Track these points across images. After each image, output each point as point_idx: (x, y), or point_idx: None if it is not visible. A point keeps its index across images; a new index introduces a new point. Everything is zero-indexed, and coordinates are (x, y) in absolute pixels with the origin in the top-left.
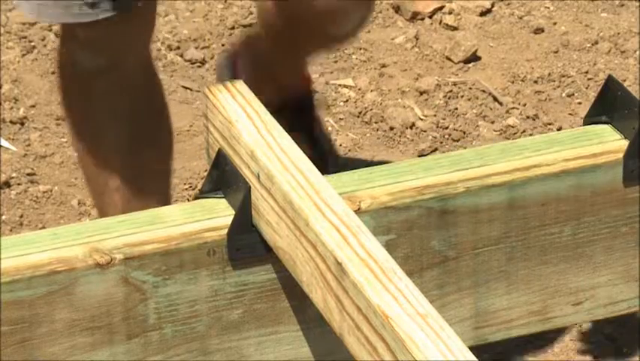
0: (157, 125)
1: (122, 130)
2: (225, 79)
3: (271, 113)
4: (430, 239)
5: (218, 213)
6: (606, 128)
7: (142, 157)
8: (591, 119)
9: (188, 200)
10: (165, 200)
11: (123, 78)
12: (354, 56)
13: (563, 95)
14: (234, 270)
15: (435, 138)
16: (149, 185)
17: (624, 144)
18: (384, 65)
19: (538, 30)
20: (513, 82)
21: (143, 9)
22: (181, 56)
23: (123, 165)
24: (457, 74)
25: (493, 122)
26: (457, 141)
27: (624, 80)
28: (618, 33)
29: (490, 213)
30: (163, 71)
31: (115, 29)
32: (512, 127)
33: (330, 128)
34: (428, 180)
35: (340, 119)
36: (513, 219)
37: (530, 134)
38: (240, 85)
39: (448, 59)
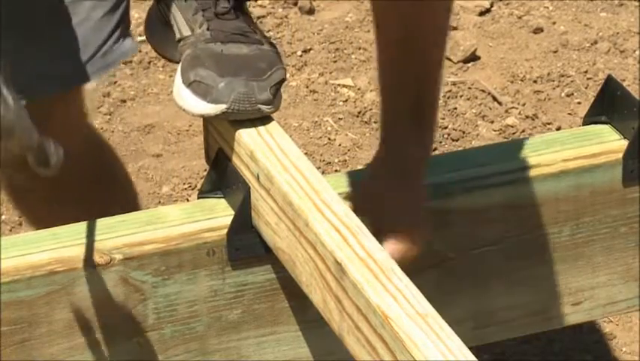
0: (110, 202)
1: (72, 219)
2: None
3: None
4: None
5: (218, 214)
6: (605, 128)
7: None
8: (590, 119)
9: (188, 200)
10: None
11: (62, 171)
12: (353, 56)
13: (562, 94)
14: (234, 270)
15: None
16: None
17: (623, 143)
18: None
19: (538, 30)
20: (512, 82)
21: (62, 105)
22: None
23: None
24: (456, 74)
25: (492, 122)
26: (457, 140)
27: (623, 80)
28: (617, 33)
29: (490, 213)
30: (162, 71)
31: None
32: (511, 127)
33: (329, 128)
34: (427, 180)
35: (339, 118)
36: (512, 220)
37: (529, 134)
38: None
39: (447, 58)
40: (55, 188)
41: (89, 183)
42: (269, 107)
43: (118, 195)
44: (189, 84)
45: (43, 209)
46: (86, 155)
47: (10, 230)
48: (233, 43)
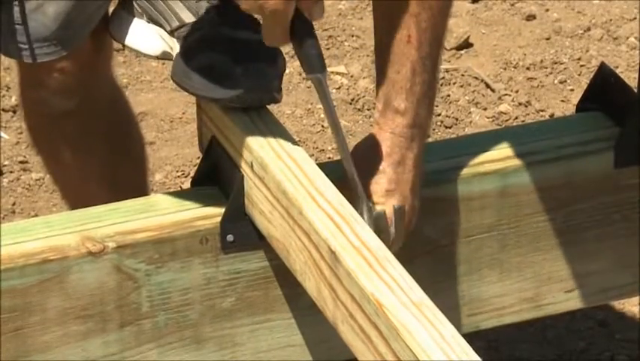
0: (129, 142)
1: (96, 157)
2: None
3: None
4: (422, 227)
5: (212, 202)
6: (598, 115)
7: (118, 177)
8: (583, 105)
9: (181, 188)
10: None
11: (93, 112)
12: (346, 43)
13: (556, 81)
14: (227, 258)
15: None
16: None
17: (616, 131)
18: None
19: (530, 17)
20: (505, 69)
21: (101, 42)
22: None
23: (100, 187)
24: (449, 61)
25: (485, 109)
26: (450, 127)
27: (616, 67)
28: (610, 20)
29: (483, 200)
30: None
31: (83, 68)
32: (505, 114)
33: (322, 115)
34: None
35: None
36: (505, 207)
37: (523, 121)
38: None
39: None
40: (83, 132)
41: (113, 129)
42: (279, 94)
43: (134, 138)
44: (199, 68)
45: (67, 152)
46: (112, 101)
47: (3, 218)
48: (242, 28)
